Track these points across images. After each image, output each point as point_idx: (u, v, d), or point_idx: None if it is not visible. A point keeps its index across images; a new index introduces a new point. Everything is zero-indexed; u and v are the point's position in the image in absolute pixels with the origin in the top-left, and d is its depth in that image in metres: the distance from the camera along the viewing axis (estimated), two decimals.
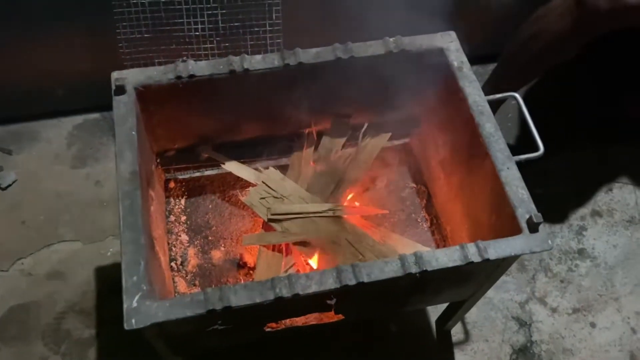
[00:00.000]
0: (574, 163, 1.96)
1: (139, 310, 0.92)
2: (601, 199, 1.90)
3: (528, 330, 1.64)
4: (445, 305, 1.54)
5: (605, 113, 2.05)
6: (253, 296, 0.95)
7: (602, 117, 2.04)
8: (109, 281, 1.64)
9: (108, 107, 1.91)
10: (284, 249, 1.32)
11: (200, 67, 1.21)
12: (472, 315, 1.65)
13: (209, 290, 0.94)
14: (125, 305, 0.92)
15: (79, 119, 1.96)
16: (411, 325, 1.63)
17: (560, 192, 1.89)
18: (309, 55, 1.24)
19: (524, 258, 1.76)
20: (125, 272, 0.95)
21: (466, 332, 1.63)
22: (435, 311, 1.63)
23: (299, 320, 1.22)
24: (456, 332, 1.63)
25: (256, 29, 1.70)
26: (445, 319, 1.57)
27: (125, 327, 0.90)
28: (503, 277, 1.70)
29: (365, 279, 0.98)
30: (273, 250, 1.31)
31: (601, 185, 1.93)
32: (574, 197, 1.90)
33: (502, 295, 1.70)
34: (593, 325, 1.66)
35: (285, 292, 0.96)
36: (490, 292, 1.65)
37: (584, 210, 1.87)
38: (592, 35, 1.54)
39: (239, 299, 0.94)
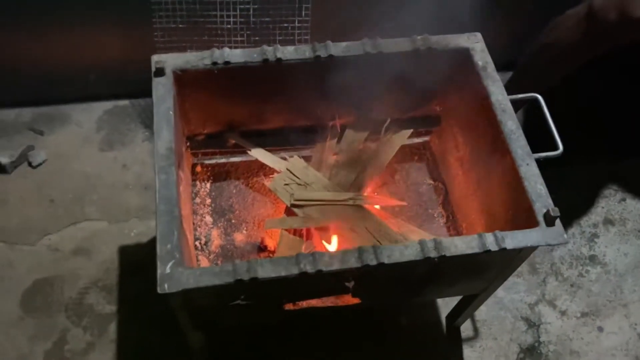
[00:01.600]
0: (589, 172, 1.99)
1: (172, 276, 0.97)
2: (614, 208, 1.93)
3: (536, 331, 1.68)
4: (456, 301, 1.58)
5: (623, 125, 2.07)
6: (279, 270, 1.00)
7: (619, 128, 2.06)
8: (131, 260, 1.70)
9: (137, 94, 2.04)
10: (304, 234, 1.37)
11: (236, 55, 1.26)
12: (482, 313, 1.69)
13: (238, 261, 0.99)
14: (159, 271, 0.97)
15: (108, 104, 2.03)
16: (422, 319, 1.67)
17: (574, 199, 1.93)
18: (339, 48, 1.29)
19: (535, 261, 1.80)
20: (160, 240, 1.00)
21: (475, 329, 1.67)
22: (445, 307, 1.67)
23: (316, 302, 1.26)
24: (465, 329, 1.66)
25: (285, 25, 1.76)
26: (456, 315, 1.61)
27: (159, 290, 0.95)
28: (514, 278, 1.75)
29: (386, 260, 1.02)
30: (294, 234, 1.36)
31: (615, 194, 1.97)
32: (588, 205, 1.94)
33: (512, 295, 1.73)
34: (601, 329, 1.69)
35: (309, 268, 1.00)
36: (500, 292, 1.69)
37: (597, 218, 1.91)
38: (603, 48, 1.58)
39: (265, 271, 0.99)
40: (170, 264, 0.98)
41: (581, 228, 1.88)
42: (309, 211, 1.36)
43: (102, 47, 1.89)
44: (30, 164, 1.85)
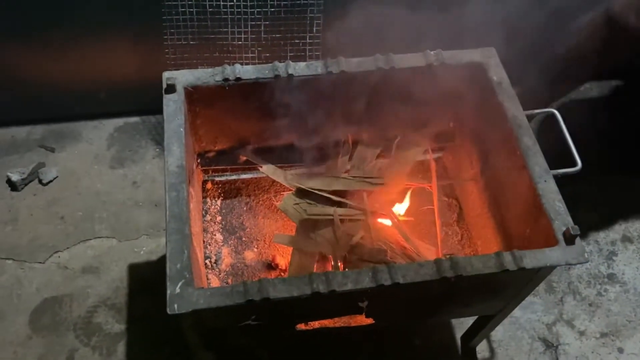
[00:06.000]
0: (606, 189, 1.95)
1: (182, 296, 0.94)
2: (632, 225, 1.89)
3: (555, 352, 1.63)
4: (471, 321, 1.54)
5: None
6: (291, 290, 0.97)
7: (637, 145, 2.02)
8: (141, 278, 1.68)
9: (148, 111, 2.03)
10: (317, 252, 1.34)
11: (247, 71, 1.25)
12: (498, 333, 1.64)
13: (249, 282, 0.97)
14: (168, 291, 0.95)
15: (119, 121, 2.03)
16: (436, 340, 1.63)
17: (592, 217, 1.88)
18: (351, 64, 1.28)
19: (552, 279, 1.76)
20: (169, 259, 0.98)
21: (491, 350, 1.62)
22: (460, 327, 1.63)
23: (328, 322, 1.23)
24: (481, 350, 1.62)
25: (296, 41, 1.76)
26: (471, 336, 1.56)
27: (168, 311, 0.93)
28: (531, 298, 1.70)
29: (401, 280, 0.99)
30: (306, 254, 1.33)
31: (632, 212, 1.92)
32: (605, 223, 1.89)
33: (529, 315, 1.69)
34: (621, 350, 1.64)
35: (322, 288, 0.98)
36: (517, 312, 1.65)
37: (615, 236, 1.86)
38: (623, 53, 1.55)
39: (277, 291, 0.97)
40: (180, 284, 0.96)
41: (599, 246, 1.84)
42: (321, 232, 1.33)
43: (113, 64, 1.89)
44: (40, 181, 1.85)
